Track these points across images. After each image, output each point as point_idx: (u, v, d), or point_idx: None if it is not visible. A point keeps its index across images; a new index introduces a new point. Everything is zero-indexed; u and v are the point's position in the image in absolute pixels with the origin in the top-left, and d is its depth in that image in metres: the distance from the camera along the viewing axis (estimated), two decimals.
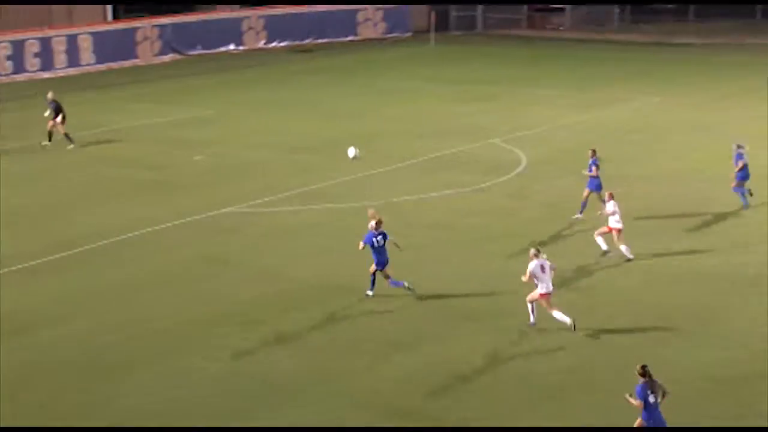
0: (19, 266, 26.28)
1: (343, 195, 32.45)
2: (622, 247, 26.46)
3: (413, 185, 33.56)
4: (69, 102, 46.74)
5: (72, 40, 53.62)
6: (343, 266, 25.96)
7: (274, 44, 61.87)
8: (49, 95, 39.22)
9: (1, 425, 18.68)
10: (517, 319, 22.71)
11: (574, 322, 21.98)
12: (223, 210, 30.94)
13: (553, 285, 22.23)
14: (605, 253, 26.45)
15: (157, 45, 57.20)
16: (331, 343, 21.94)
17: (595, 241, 26.74)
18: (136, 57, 56.16)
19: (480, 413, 18.99)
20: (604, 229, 26.52)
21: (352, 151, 26.89)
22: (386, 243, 23.87)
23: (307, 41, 63.01)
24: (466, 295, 24.22)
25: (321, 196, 32.50)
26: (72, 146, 38.59)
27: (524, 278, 22.13)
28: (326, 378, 20.32)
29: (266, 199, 32.16)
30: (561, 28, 72.46)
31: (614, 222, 26.37)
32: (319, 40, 63.40)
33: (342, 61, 59.08)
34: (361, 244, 23.82)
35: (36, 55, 52.16)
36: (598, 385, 19.90)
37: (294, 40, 62.48)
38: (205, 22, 59.07)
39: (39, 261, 26.58)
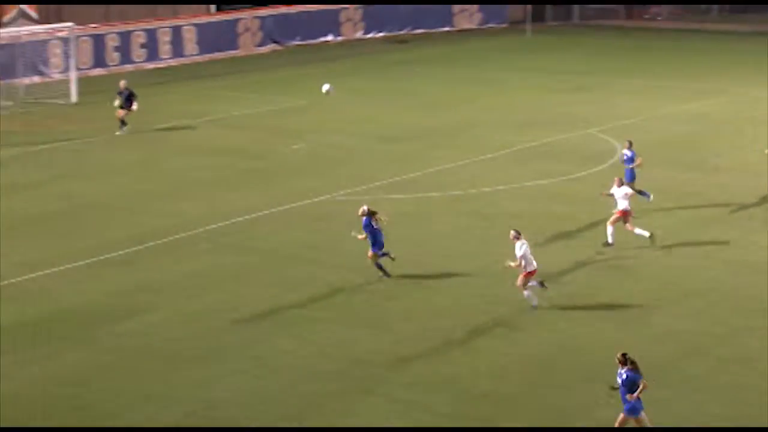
0: (121, 252, 27.25)
1: (438, 184, 33.05)
2: (637, 231, 26.66)
3: (507, 175, 34.02)
4: (172, 91, 48.17)
5: (177, 31, 55.03)
6: (433, 256, 26.59)
7: (371, 35, 62.69)
8: (122, 84, 40.38)
9: (79, 409, 19.29)
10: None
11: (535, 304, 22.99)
12: (319, 198, 31.74)
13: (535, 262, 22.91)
14: (607, 244, 26.65)
15: (258, 36, 58.39)
16: (419, 329, 22.53)
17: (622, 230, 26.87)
18: (237, 48, 57.42)
19: (568, 401, 19.45)
20: (616, 215, 26.77)
21: (326, 86, 27.37)
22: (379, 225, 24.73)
23: (403, 32, 63.70)
24: (558, 283, 24.73)
25: (415, 185, 33.13)
26: (119, 132, 39.50)
27: (513, 264, 22.78)
28: (413, 362, 20.92)
29: (361, 187, 32.88)
30: (659, 18, 72.02)
31: (621, 203, 26.65)
32: (416, 31, 64.04)
33: (438, 51, 59.58)
34: (361, 235, 24.75)
35: (142, 46, 53.66)
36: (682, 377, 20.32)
37: (391, 31, 63.22)
38: (304, 13, 60.07)
39: (135, 249, 27.45)
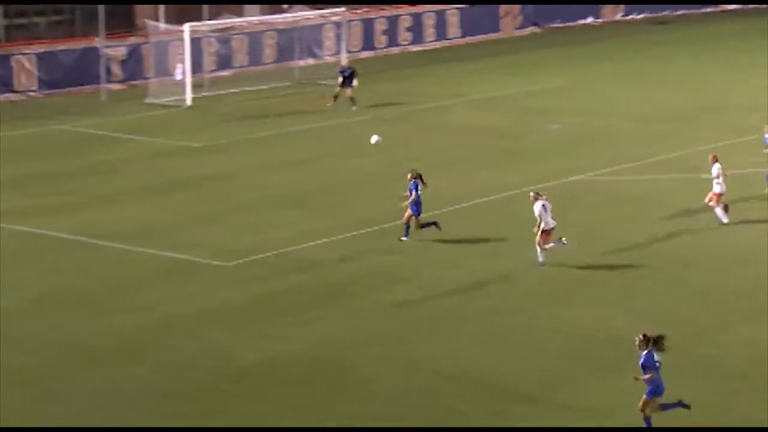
0: (384, 225, 28.89)
1: (691, 166, 33.39)
2: (717, 211, 27.33)
3: (760, 159, 34.11)
4: (435, 73, 49.98)
5: (441, 15, 56.97)
6: (678, 237, 27.35)
7: (631, 16, 62.86)
8: (344, 62, 43.37)
9: (343, 372, 20.74)
10: None
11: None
12: (572, 178, 32.81)
13: (553, 221, 24.86)
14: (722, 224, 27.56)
15: (519, 19, 59.62)
16: (674, 309, 23.36)
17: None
18: (498, 31, 58.87)
19: None
20: (710, 194, 27.39)
21: (374, 138, 28.24)
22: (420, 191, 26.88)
23: (664, 13, 63.46)
24: None
25: (670, 166, 33.61)
26: (330, 104, 42.23)
27: (536, 229, 24.96)
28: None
29: (616, 167, 33.71)
30: None
31: (716, 186, 27.15)
32: (676, 12, 63.72)
33: (699, 32, 59.12)
34: (412, 194, 26.94)
35: (408, 29, 55.89)
36: None
37: (651, 12, 63.15)
38: None
39: (397, 223, 28.71)
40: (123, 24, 48.76)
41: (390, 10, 55.84)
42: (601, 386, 20.04)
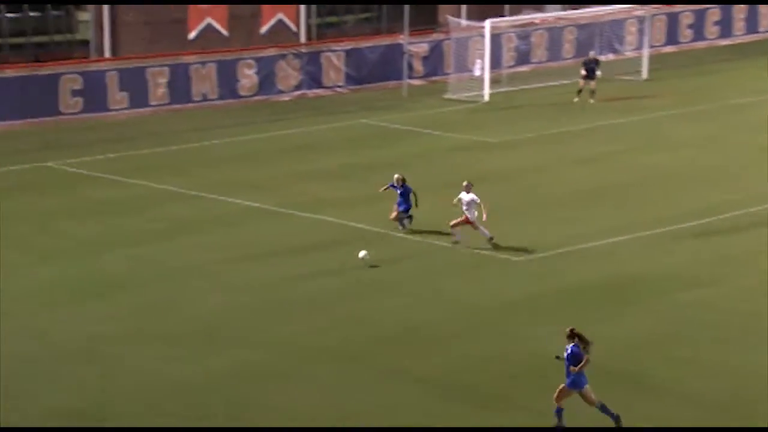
0: (688, 224, 28.30)
1: None
2: None
3: None
4: (746, 67, 48.19)
5: (752, 7, 54.78)
6: None
7: None
8: (591, 54, 43.23)
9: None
10: None
11: (491, 237, 26.83)
12: None
13: (476, 213, 26.33)
14: None
15: None
16: None
17: None
18: None
19: None
20: None
21: (362, 253, 26.20)
22: (410, 195, 28.09)
23: None
24: None
25: None
26: (576, 100, 42.10)
27: (454, 201, 26.97)
28: None
29: None
30: None
31: None
32: None
33: None
34: (382, 188, 28.46)
35: (716, 23, 54.10)
36: None
37: None
38: None
39: (700, 222, 28.36)
40: (426, 20, 49.45)
41: (697, 5, 54.13)
42: None
